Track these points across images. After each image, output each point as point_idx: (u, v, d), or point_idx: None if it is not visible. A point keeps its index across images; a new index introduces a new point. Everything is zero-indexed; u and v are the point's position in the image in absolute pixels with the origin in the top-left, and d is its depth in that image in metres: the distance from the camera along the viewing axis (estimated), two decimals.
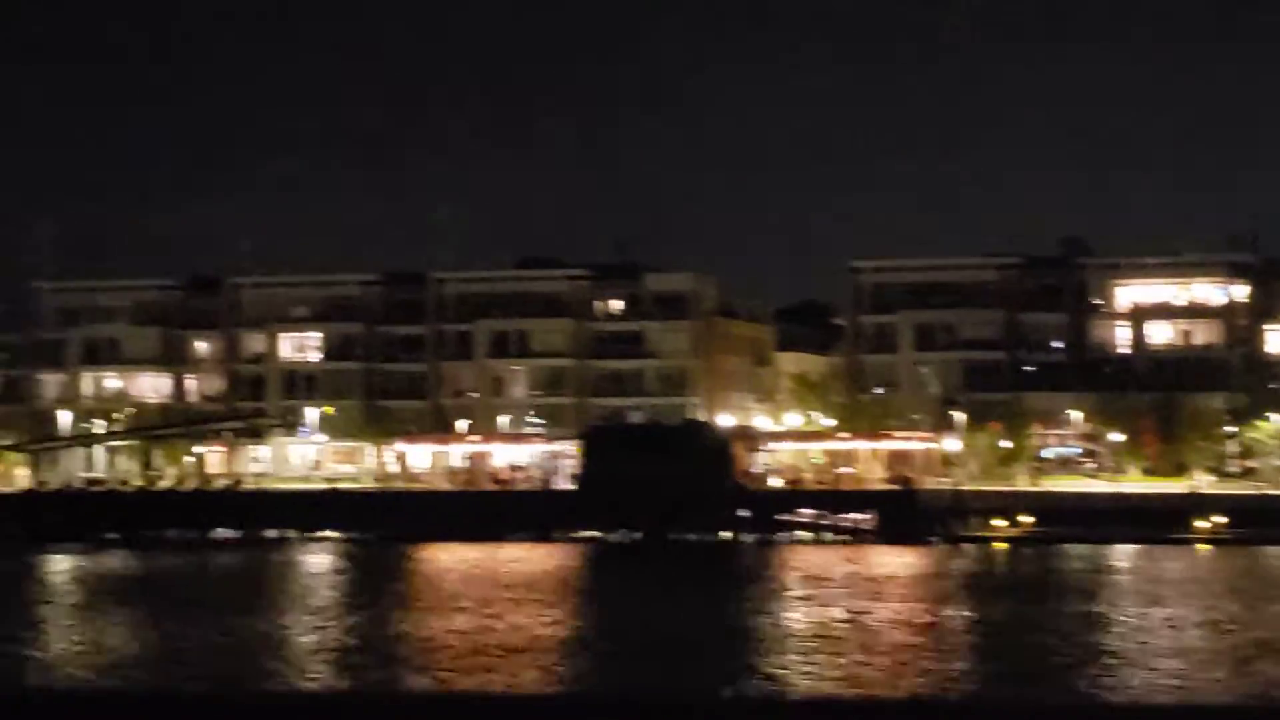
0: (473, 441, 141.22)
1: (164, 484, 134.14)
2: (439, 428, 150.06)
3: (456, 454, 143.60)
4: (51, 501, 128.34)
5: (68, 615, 79.22)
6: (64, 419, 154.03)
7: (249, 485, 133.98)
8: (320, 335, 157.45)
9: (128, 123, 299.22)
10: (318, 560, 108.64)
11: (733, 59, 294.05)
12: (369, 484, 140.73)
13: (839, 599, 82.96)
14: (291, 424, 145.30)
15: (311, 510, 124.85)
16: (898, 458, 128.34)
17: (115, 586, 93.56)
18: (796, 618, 75.76)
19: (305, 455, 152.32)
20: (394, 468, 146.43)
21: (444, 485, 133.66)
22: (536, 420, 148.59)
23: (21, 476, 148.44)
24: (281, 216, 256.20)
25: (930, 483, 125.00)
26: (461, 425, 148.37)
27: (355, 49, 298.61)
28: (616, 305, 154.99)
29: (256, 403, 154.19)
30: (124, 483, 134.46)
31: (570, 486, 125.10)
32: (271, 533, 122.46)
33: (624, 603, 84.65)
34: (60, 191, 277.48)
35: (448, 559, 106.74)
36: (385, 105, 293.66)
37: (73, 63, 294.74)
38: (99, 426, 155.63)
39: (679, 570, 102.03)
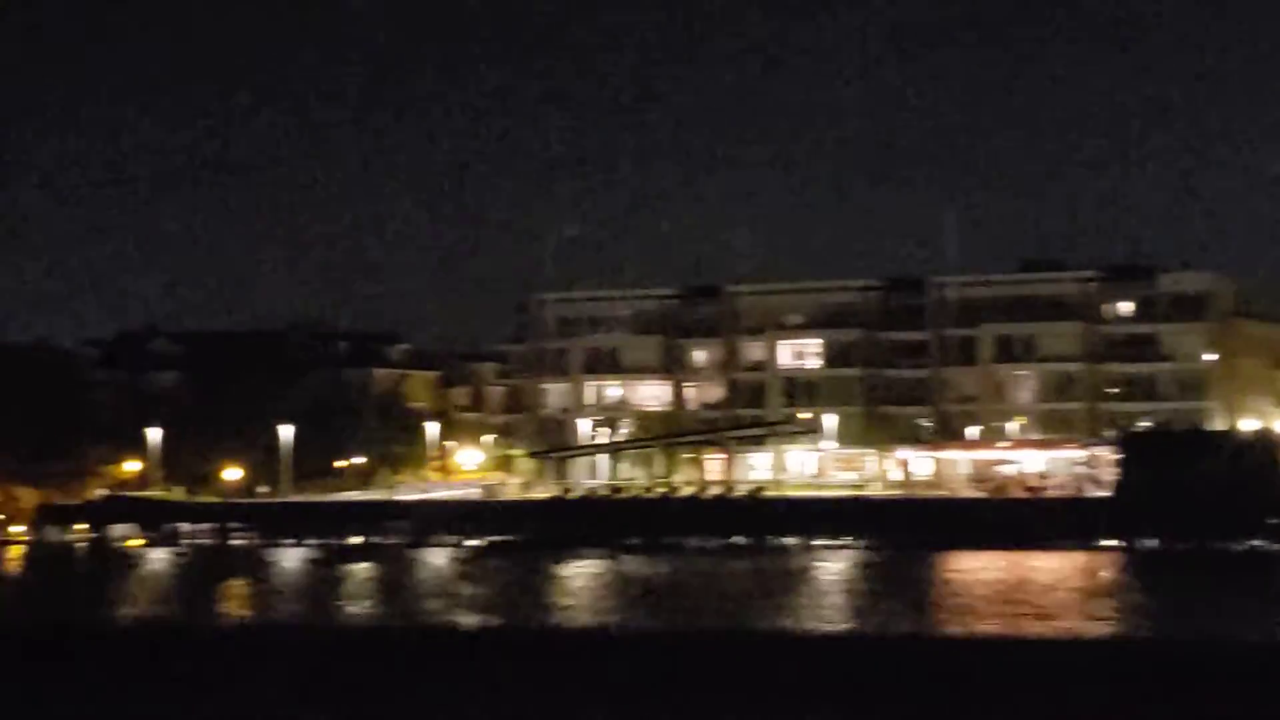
0: (1002, 448, 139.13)
1: (685, 491, 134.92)
2: (942, 434, 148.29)
3: (964, 460, 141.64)
4: (575, 509, 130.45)
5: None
6: (583, 428, 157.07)
7: (769, 493, 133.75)
8: (819, 342, 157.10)
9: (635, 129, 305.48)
10: (838, 566, 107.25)
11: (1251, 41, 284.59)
12: (876, 491, 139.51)
13: None
14: (812, 431, 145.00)
15: (830, 517, 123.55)
16: None
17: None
18: None
19: (804, 462, 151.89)
20: (895, 475, 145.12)
21: (967, 492, 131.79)
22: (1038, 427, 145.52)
23: (514, 484, 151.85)
24: (770, 223, 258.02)
25: None
26: (972, 432, 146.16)
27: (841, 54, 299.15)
28: (1125, 307, 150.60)
29: (755, 410, 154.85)
30: (647, 489, 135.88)
31: (1105, 494, 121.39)
32: (791, 540, 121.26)
33: (1191, 608, 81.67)
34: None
35: (977, 565, 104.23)
36: (875, 111, 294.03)
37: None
38: (601, 435, 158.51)
39: (1229, 579, 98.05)
